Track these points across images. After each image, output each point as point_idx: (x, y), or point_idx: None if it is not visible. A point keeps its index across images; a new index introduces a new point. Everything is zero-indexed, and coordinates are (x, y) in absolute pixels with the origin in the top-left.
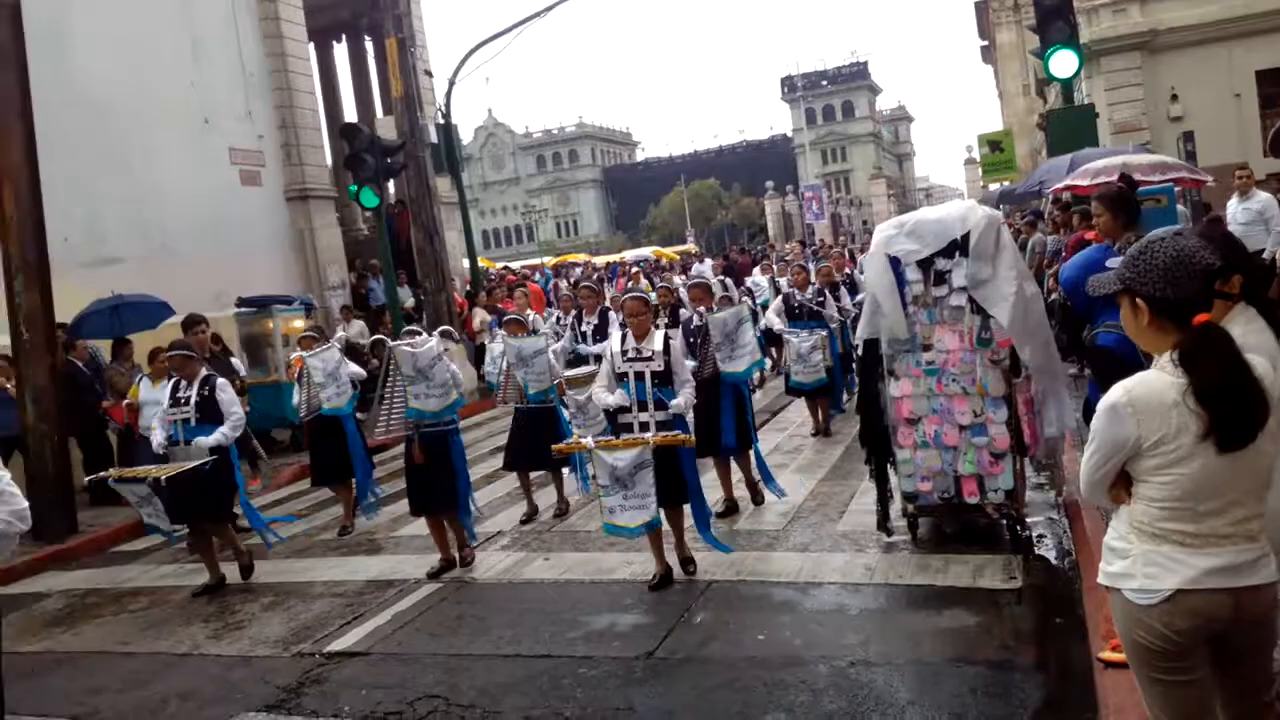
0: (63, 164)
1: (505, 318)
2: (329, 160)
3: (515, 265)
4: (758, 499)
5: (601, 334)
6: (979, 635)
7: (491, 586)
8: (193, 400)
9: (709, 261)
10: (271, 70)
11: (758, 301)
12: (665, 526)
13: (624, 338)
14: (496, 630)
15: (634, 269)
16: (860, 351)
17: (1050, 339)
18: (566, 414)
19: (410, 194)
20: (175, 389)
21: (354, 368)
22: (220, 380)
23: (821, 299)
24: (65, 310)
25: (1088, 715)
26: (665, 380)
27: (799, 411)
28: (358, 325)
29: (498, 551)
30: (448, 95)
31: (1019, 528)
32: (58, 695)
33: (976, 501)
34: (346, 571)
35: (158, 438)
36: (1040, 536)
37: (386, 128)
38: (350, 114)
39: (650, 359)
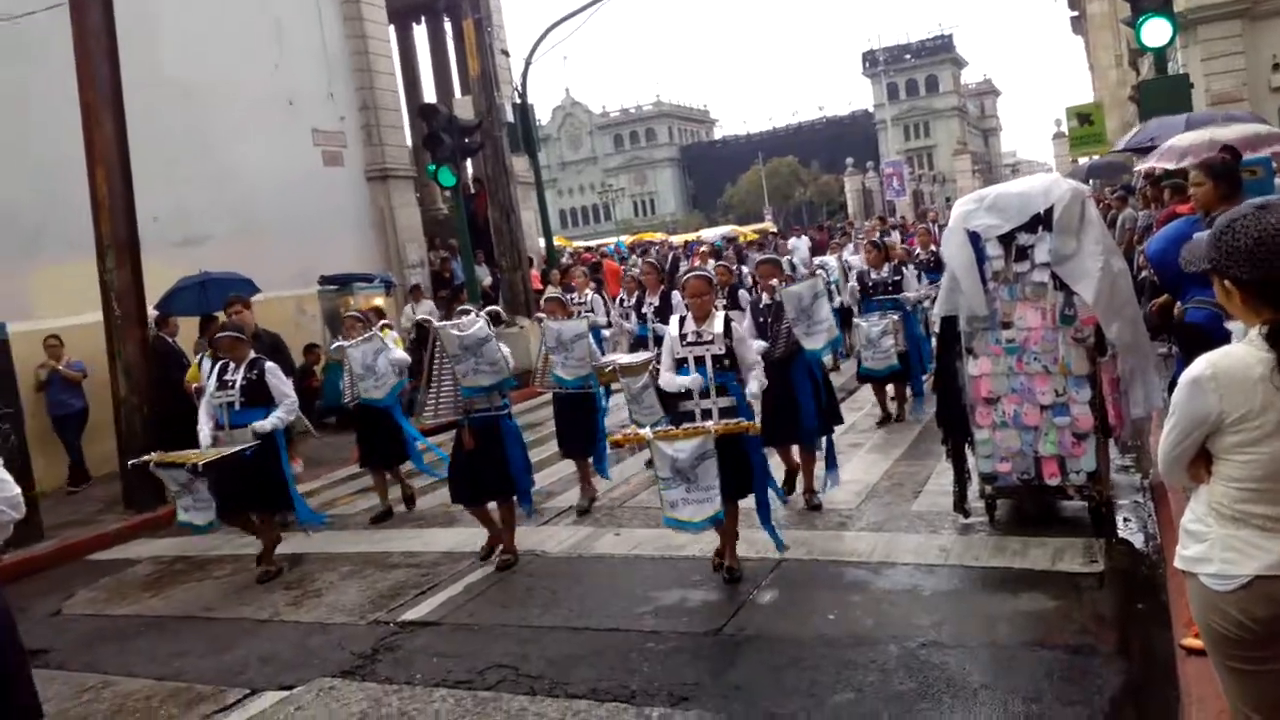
0: (152, 146)
1: (545, 297)
2: (409, 140)
3: (592, 244)
4: (812, 503)
5: (664, 316)
6: (1057, 619)
7: (562, 560)
8: (238, 384)
9: (804, 239)
10: (352, 52)
11: (830, 281)
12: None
13: (683, 321)
14: (566, 603)
15: (702, 248)
16: (938, 329)
17: (1138, 316)
18: (606, 402)
19: (487, 173)
20: (222, 371)
21: (397, 354)
22: (270, 364)
23: (899, 277)
24: (155, 288)
25: (1169, 703)
26: (727, 365)
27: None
28: (427, 305)
29: (569, 526)
30: (524, 74)
31: (1102, 510)
32: (145, 657)
33: (1057, 483)
34: (422, 543)
35: (204, 428)
36: (1124, 519)
37: (464, 108)
38: (430, 94)
39: (711, 342)
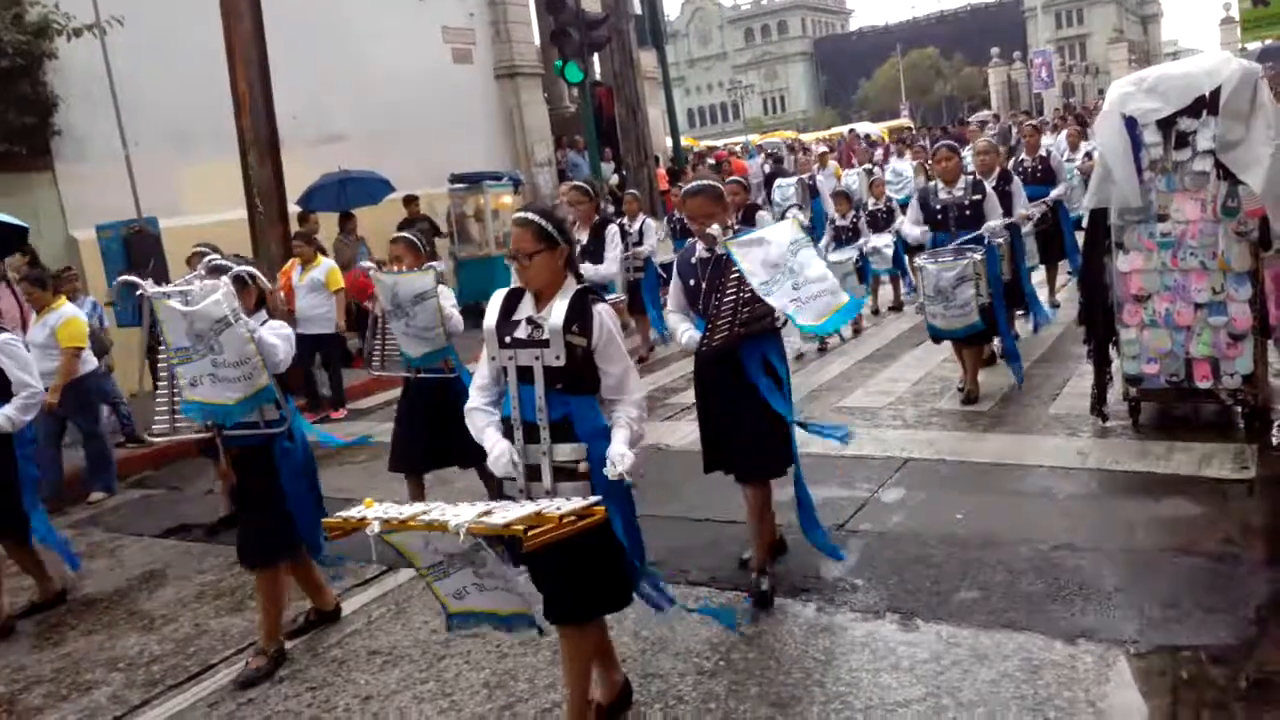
0: (288, 44)
1: (392, 238)
2: (536, 37)
3: (719, 143)
4: (776, 548)
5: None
6: (1202, 526)
7: (683, 454)
8: None
9: (1062, 135)
10: None
11: (896, 199)
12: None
13: (514, 298)
14: (687, 496)
15: (821, 149)
16: (1086, 221)
17: None
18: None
19: (614, 68)
20: None
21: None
22: (6, 336)
23: (978, 196)
24: (296, 186)
25: None
26: (574, 384)
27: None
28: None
29: (690, 421)
30: None
31: (1256, 415)
32: None
33: (1209, 386)
34: None
35: None
36: None
37: (591, 1)
38: None
39: (545, 343)
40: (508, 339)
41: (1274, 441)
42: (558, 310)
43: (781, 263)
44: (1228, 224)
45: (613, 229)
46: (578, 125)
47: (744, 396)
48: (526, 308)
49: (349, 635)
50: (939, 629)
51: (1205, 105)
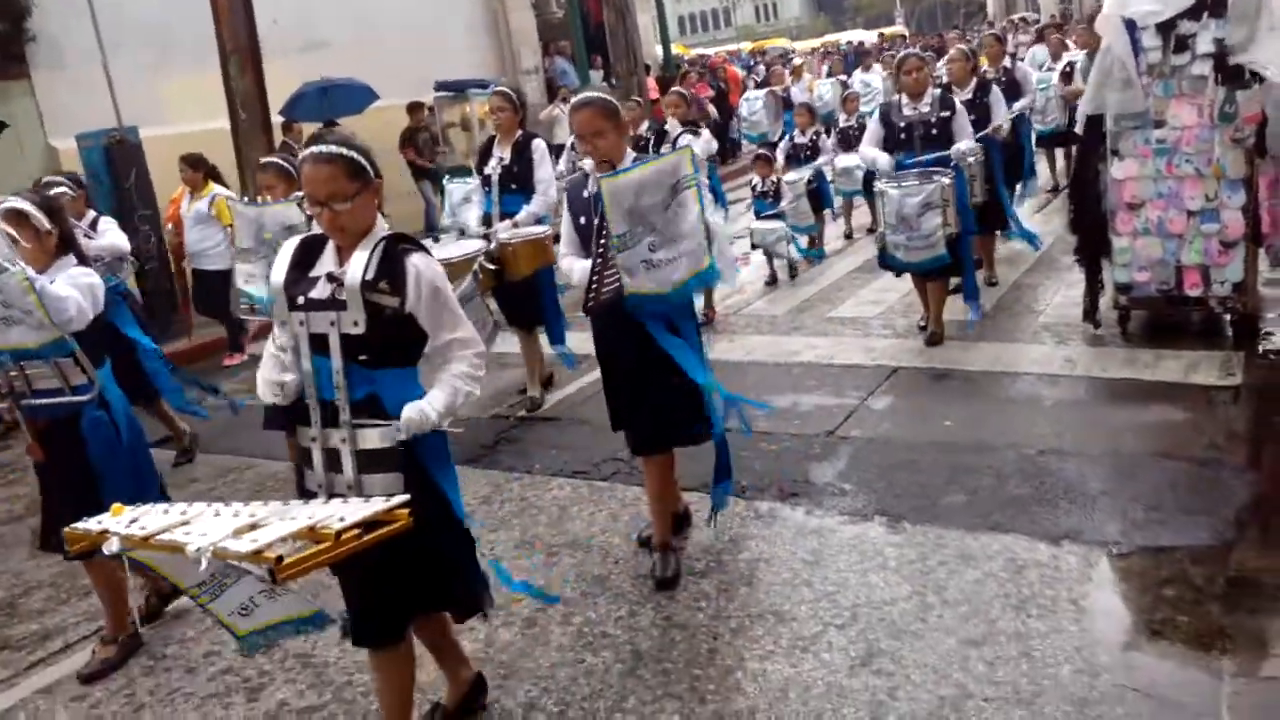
0: None
1: (262, 161)
2: None
3: (710, 51)
4: (679, 521)
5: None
6: (1186, 431)
7: None
8: None
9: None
10: None
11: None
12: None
13: (309, 249)
14: None
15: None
16: (1082, 128)
17: None
18: None
19: None
20: None
21: (106, 242)
22: None
23: (947, 113)
24: (279, 94)
25: None
26: (381, 355)
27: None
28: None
29: None
30: None
31: (1245, 324)
32: (283, 441)
33: (1199, 294)
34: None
35: None
36: (1268, 333)
37: None
38: None
39: (340, 305)
40: (300, 299)
41: (1260, 349)
42: (357, 262)
43: (649, 214)
44: (1224, 130)
45: (539, 145)
46: (566, 31)
47: (646, 357)
48: (328, 261)
49: None
50: (926, 531)
51: (1205, 7)
